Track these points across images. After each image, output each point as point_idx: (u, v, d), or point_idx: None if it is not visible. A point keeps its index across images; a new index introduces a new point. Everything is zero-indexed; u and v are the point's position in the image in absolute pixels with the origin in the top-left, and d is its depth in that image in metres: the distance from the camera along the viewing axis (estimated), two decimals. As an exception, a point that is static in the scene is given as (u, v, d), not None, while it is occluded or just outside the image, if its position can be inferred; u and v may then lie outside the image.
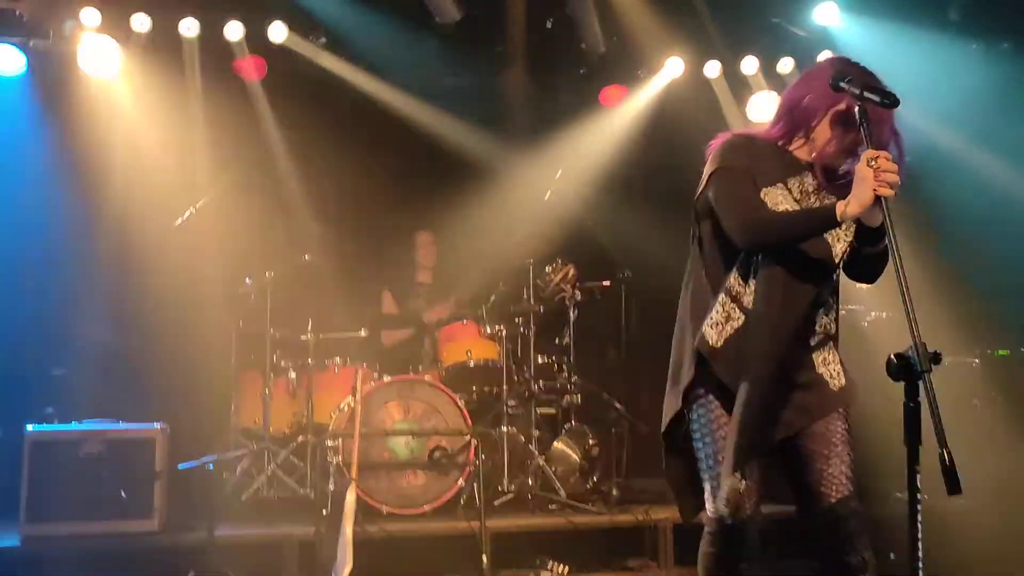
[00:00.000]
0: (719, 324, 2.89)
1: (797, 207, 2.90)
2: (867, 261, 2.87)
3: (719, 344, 2.88)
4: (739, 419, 2.83)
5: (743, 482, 2.88)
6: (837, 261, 2.92)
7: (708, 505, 2.95)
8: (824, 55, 6.81)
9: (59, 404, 5.43)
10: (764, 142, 2.98)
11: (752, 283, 2.89)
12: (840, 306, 3.04)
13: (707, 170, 2.96)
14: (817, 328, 2.94)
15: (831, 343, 2.99)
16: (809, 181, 2.94)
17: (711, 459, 2.92)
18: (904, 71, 6.59)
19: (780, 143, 2.98)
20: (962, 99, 7.03)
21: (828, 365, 2.95)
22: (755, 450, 2.87)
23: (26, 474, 4.83)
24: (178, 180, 6.48)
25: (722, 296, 2.90)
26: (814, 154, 2.93)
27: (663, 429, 3.07)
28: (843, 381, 2.96)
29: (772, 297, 2.85)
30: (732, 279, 2.90)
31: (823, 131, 2.90)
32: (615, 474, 6.01)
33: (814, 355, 2.94)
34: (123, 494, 4.90)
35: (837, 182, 2.92)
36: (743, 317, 2.87)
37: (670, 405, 3.02)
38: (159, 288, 6.37)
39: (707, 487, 2.94)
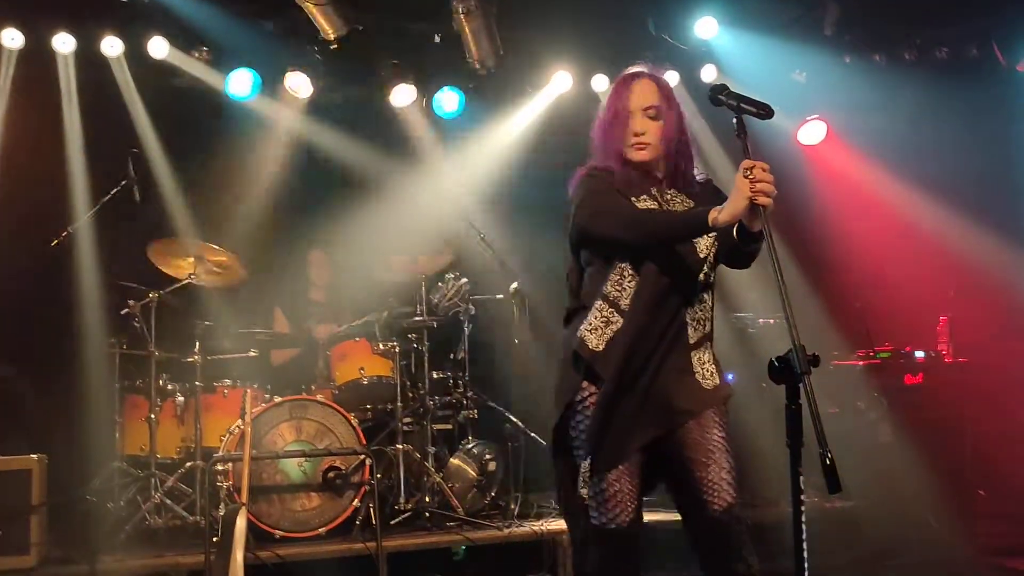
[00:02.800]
0: (598, 328, 2.95)
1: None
2: (744, 255, 2.93)
3: (601, 347, 2.93)
4: (610, 418, 2.88)
5: (616, 483, 2.89)
6: (702, 256, 3.00)
7: (590, 513, 2.96)
8: (707, 68, 7.01)
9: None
10: (611, 167, 3.07)
11: (627, 286, 2.95)
12: (715, 304, 3.11)
13: (574, 202, 3.05)
14: (693, 326, 3.00)
15: (707, 343, 3.06)
16: (661, 189, 3.05)
17: (590, 463, 2.93)
18: (781, 83, 6.87)
19: (621, 166, 3.07)
20: (838, 110, 7.27)
21: (703, 365, 3.02)
22: (626, 447, 2.91)
23: None
24: (54, 200, 6.27)
25: (599, 302, 2.97)
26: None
27: (550, 441, 3.09)
28: (716, 381, 3.03)
29: (644, 296, 2.93)
30: (608, 286, 2.97)
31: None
32: (513, 489, 5.99)
33: (692, 354, 3.00)
34: (-2, 530, 4.68)
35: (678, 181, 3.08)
36: (622, 320, 2.93)
37: (555, 415, 3.04)
38: (35, 311, 6.13)
39: (586, 493, 2.95)
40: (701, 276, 3.01)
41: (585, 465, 2.94)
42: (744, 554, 2.89)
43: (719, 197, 2.98)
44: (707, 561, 2.97)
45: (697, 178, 3.16)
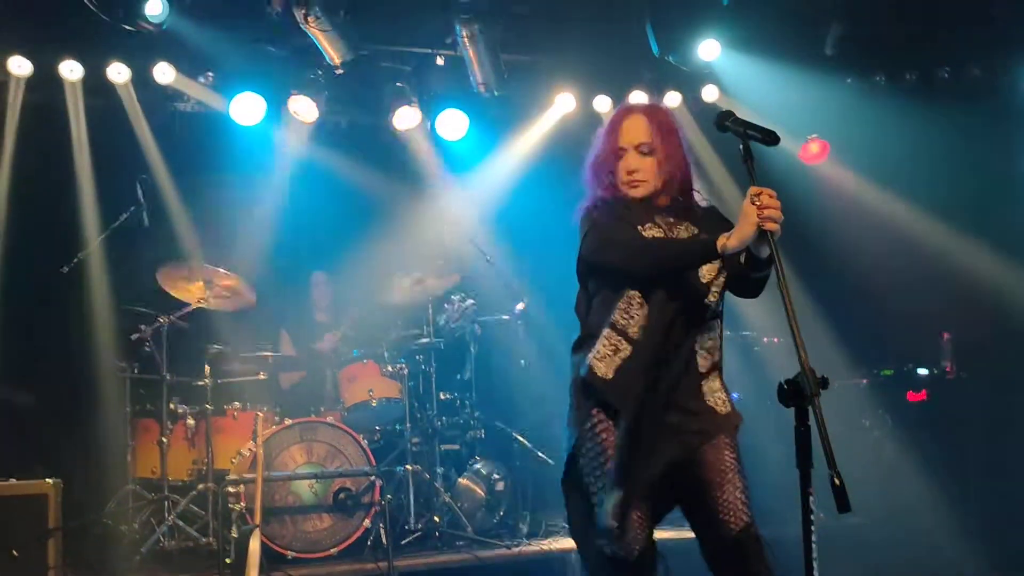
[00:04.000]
0: (607, 356, 2.97)
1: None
2: (753, 283, 2.96)
3: (610, 375, 2.95)
4: (625, 444, 2.90)
5: (631, 513, 2.91)
6: (705, 283, 3.02)
7: (601, 542, 2.95)
8: (708, 88, 7.09)
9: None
10: (616, 199, 3.10)
11: (635, 315, 2.97)
12: (724, 331, 3.13)
13: (582, 233, 3.09)
14: (702, 355, 3.02)
15: (717, 372, 3.08)
16: (666, 220, 3.08)
17: (601, 490, 2.94)
18: (783, 105, 6.93)
19: (620, 197, 3.10)
20: (841, 131, 7.33)
21: (714, 393, 3.04)
22: (642, 477, 2.92)
23: (-90, 539, 4.62)
24: (65, 226, 6.33)
25: (606, 330, 2.99)
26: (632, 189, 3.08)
27: (564, 468, 3.10)
28: (728, 408, 3.05)
29: (652, 324, 2.95)
30: (616, 315, 2.99)
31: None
32: (522, 507, 6.03)
33: (702, 383, 3.03)
34: (15, 553, 4.70)
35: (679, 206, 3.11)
36: (631, 348, 2.95)
37: (567, 444, 3.07)
38: (48, 337, 6.18)
39: (598, 520, 2.95)
40: (709, 303, 3.03)
41: (599, 496, 2.94)
42: (762, 572, 2.91)
43: (723, 223, 3.03)
44: None
45: (701, 204, 3.19)
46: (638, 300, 2.98)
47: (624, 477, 2.91)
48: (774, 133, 2.77)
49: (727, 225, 3.01)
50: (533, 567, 5.41)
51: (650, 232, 3.03)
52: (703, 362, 3.03)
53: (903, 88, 7.19)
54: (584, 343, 3.07)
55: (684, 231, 3.08)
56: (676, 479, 2.98)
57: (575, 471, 3.05)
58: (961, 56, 7.15)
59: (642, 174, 3.06)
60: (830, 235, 7.33)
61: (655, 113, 3.14)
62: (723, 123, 2.84)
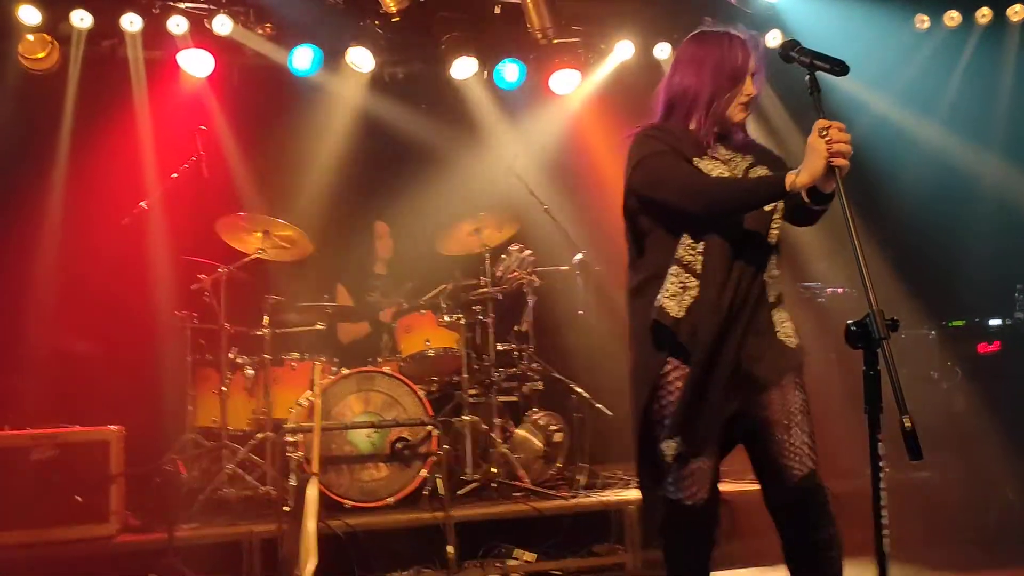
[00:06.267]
0: (676, 295, 2.86)
1: (728, 174, 2.93)
2: (814, 214, 2.85)
3: (681, 314, 2.85)
4: (700, 395, 2.81)
5: (696, 460, 2.84)
6: (768, 210, 2.92)
7: (668, 489, 2.89)
8: (773, 33, 6.88)
9: (10, 410, 5.29)
10: (670, 127, 3.00)
11: (699, 250, 2.87)
12: (780, 268, 3.02)
13: (631, 165, 2.96)
14: (770, 285, 2.94)
15: (783, 303, 2.99)
16: (722, 151, 2.98)
17: (670, 437, 2.86)
18: (852, 45, 6.71)
19: (682, 126, 3.00)
20: (911, 71, 7.09)
21: (784, 323, 2.96)
22: (714, 423, 2.84)
23: (-24, 483, 4.71)
24: (126, 177, 6.38)
25: (673, 267, 2.88)
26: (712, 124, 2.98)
27: (638, 421, 2.96)
28: (797, 340, 2.97)
29: (718, 259, 2.85)
30: (680, 251, 2.88)
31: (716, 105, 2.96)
32: (579, 459, 5.98)
33: (772, 313, 2.94)
34: (78, 498, 4.79)
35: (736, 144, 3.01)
36: (699, 284, 2.85)
37: (639, 395, 2.94)
38: (109, 288, 6.26)
39: (666, 466, 2.88)
40: (772, 232, 2.93)
41: (670, 444, 2.86)
42: (826, 523, 2.83)
43: (776, 158, 3.00)
44: (787, 531, 2.90)
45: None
46: (701, 235, 2.87)
47: (695, 423, 2.82)
48: (842, 62, 2.64)
49: (772, 154, 3.01)
50: (590, 519, 5.37)
51: (706, 164, 2.92)
52: (771, 292, 2.94)
53: (977, 28, 6.91)
54: (647, 285, 2.94)
55: (741, 160, 2.97)
56: (742, 419, 2.89)
57: (647, 420, 2.93)
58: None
59: (754, 100, 2.99)
60: (899, 184, 7.12)
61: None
62: (788, 53, 2.73)
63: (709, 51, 3.00)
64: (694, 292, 2.85)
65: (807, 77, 2.65)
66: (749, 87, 2.96)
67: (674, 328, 2.84)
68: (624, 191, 3.02)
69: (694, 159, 2.92)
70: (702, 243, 2.87)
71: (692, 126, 2.98)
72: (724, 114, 2.96)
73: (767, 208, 2.90)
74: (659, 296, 2.87)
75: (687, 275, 2.86)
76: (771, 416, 2.87)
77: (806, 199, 2.75)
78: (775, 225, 2.94)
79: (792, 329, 2.96)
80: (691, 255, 2.87)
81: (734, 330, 2.84)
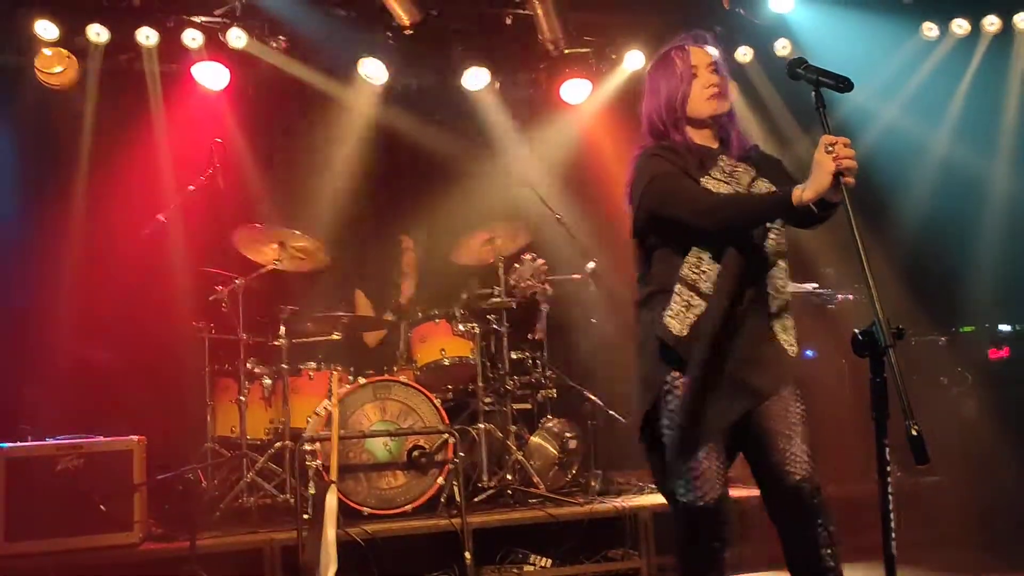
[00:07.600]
0: (680, 313, 2.95)
1: (734, 191, 3.00)
2: (818, 220, 2.87)
3: (684, 332, 2.93)
4: (699, 401, 2.89)
5: (704, 461, 2.92)
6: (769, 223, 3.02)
7: (678, 491, 2.97)
8: (781, 42, 6.94)
9: (32, 420, 5.37)
10: (671, 145, 3.08)
11: (705, 268, 2.95)
12: (789, 276, 3.10)
13: (638, 187, 3.04)
14: (773, 295, 3.02)
15: (787, 312, 3.06)
16: (725, 161, 3.06)
17: (677, 442, 2.95)
18: (860, 54, 6.77)
19: (678, 141, 3.09)
20: (918, 81, 7.13)
21: (786, 331, 3.04)
22: (715, 427, 2.93)
23: (2, 492, 4.79)
24: (143, 189, 6.47)
25: (678, 286, 2.97)
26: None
27: (639, 427, 3.09)
28: (796, 349, 3.05)
29: (725, 277, 2.94)
30: (685, 269, 2.97)
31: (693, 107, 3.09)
32: (594, 466, 6.04)
33: (774, 322, 3.02)
34: (102, 507, 4.87)
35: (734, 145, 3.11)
36: (704, 303, 2.94)
37: (642, 402, 3.05)
38: (129, 299, 6.34)
39: (676, 471, 2.96)
40: (778, 243, 3.02)
41: (675, 448, 2.94)
42: (824, 522, 2.91)
43: (774, 163, 3.10)
44: (787, 531, 2.98)
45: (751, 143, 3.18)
46: (708, 253, 2.96)
47: (699, 429, 2.91)
48: (847, 79, 2.70)
49: (778, 165, 3.10)
50: (605, 524, 5.42)
51: (712, 183, 2.99)
52: (774, 302, 3.02)
53: (985, 37, 6.95)
54: (653, 299, 3.04)
55: (744, 174, 3.04)
56: (744, 428, 2.98)
57: (653, 427, 3.03)
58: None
59: (722, 87, 3.08)
60: (906, 191, 7.16)
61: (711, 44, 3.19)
62: (795, 70, 2.79)
63: (658, 70, 3.17)
64: (698, 311, 2.93)
65: (813, 93, 2.72)
66: (708, 78, 3.09)
67: (677, 346, 2.94)
68: (633, 209, 3.09)
69: (700, 179, 3.00)
70: (706, 261, 2.95)
71: (678, 138, 3.09)
72: (698, 112, 3.09)
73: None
74: (664, 314, 2.96)
75: (691, 293, 2.95)
76: (773, 427, 2.95)
77: (812, 206, 2.81)
78: (774, 235, 3.03)
79: (793, 339, 3.04)
80: (695, 273, 2.96)
81: (735, 342, 2.93)
